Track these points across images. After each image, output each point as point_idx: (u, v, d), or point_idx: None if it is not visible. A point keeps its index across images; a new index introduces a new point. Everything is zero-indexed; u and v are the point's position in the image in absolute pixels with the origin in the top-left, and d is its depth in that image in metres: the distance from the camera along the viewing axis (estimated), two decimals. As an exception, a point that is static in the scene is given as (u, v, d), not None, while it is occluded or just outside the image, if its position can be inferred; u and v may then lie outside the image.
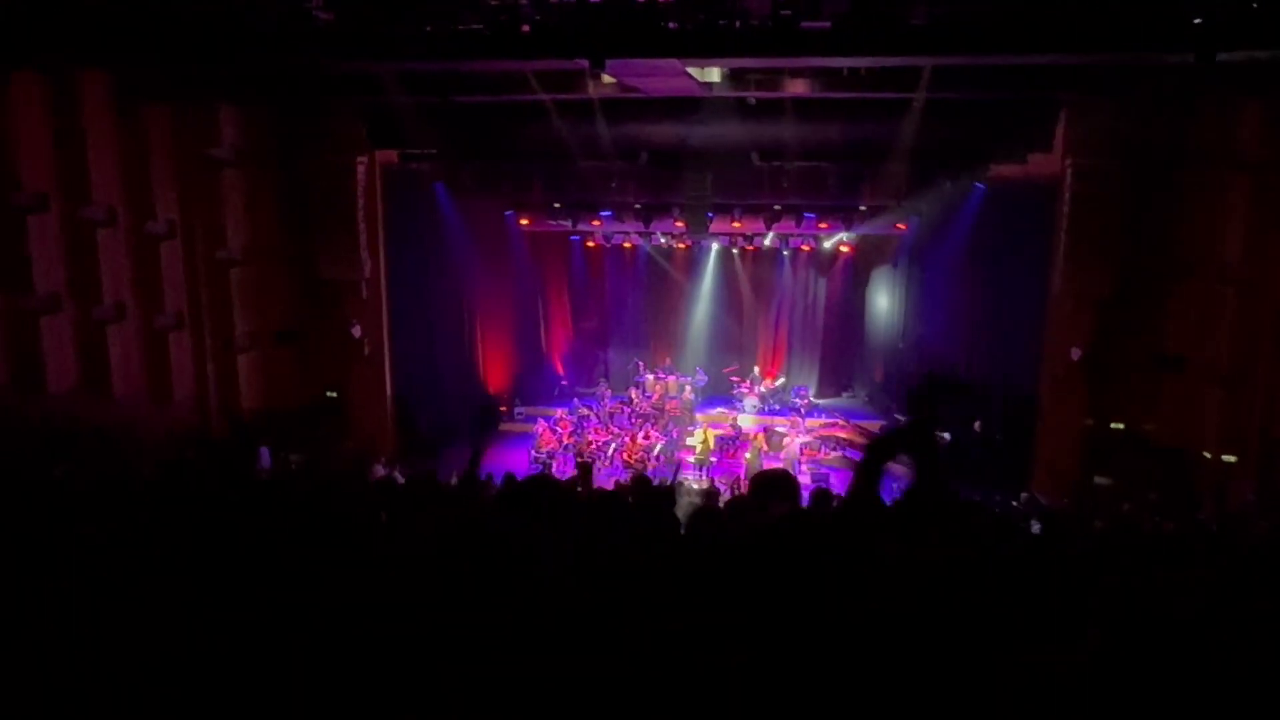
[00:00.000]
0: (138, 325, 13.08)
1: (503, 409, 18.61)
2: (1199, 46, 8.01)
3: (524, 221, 18.05)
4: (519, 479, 3.84)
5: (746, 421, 17.55)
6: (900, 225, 16.89)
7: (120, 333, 12.75)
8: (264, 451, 12.81)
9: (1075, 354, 13.44)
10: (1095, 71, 11.09)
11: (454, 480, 9.05)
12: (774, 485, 3.88)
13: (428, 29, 8.45)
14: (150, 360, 13.33)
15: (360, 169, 14.68)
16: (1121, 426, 13.52)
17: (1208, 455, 12.17)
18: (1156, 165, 12.52)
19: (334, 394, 15.67)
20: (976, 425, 15.46)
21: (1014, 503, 11.91)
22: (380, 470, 13.04)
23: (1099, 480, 12.96)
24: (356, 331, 15.30)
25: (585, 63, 8.50)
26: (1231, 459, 11.84)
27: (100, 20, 8.04)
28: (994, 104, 12.59)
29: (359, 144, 14.62)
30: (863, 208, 16.02)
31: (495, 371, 19.06)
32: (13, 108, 11.04)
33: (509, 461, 15.05)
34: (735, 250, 19.04)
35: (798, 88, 12.21)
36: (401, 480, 10.93)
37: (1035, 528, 8.00)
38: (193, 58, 9.11)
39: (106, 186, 12.36)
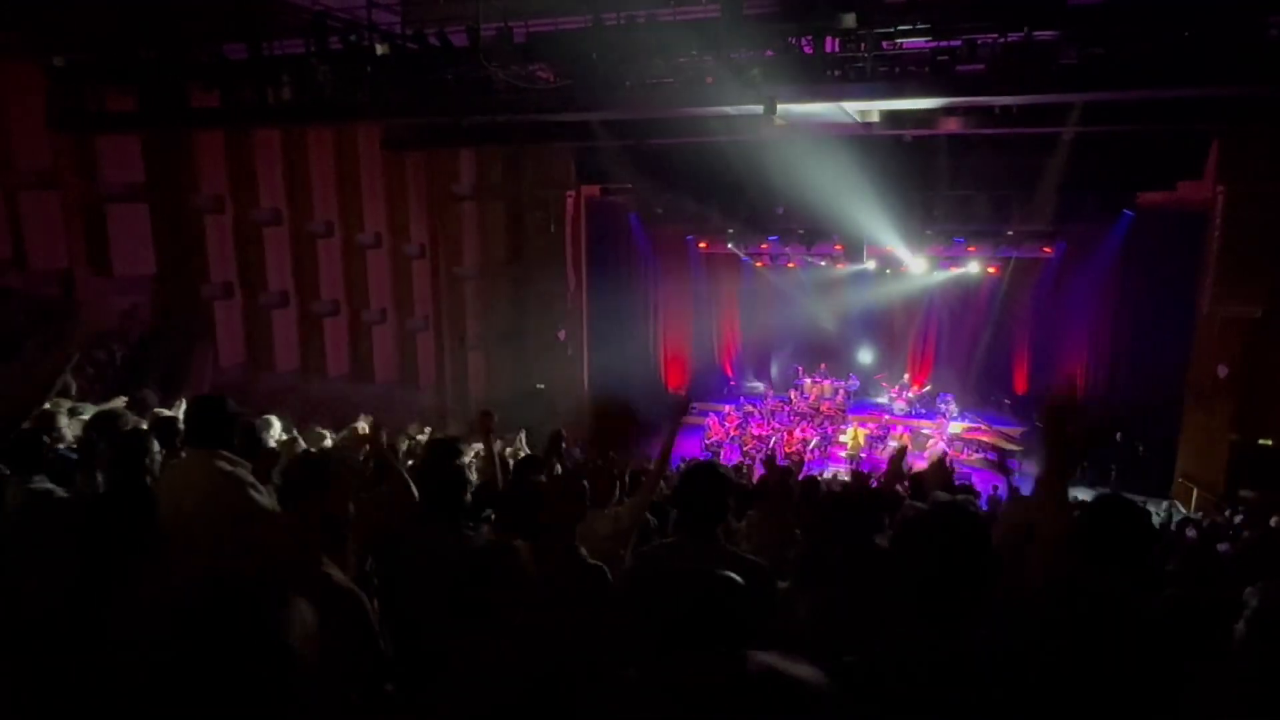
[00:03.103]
0: (394, 327, 14.12)
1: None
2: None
3: (702, 245, 18.14)
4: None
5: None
6: (1047, 249, 15.77)
7: (381, 333, 13.81)
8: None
9: (1222, 371, 12.10)
10: (1249, 102, 9.95)
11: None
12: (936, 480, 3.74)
13: (628, 84, 8.67)
14: (403, 355, 14.37)
15: (569, 201, 15.24)
16: (1270, 443, 12.05)
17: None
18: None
19: (542, 386, 16.33)
20: (1118, 435, 14.21)
21: (1156, 513, 10.87)
22: (576, 453, 13.45)
23: (1244, 494, 11.61)
24: (561, 335, 15.89)
25: (760, 108, 8.45)
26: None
27: (375, 87, 8.75)
28: (1144, 134, 11.54)
29: (568, 180, 15.18)
30: (1010, 233, 15.07)
31: (674, 371, 19.26)
32: (309, 156, 12.22)
33: (682, 448, 15.17)
34: (888, 270, 18.36)
35: (951, 125, 11.64)
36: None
37: (1191, 533, 7.26)
38: (444, 113, 9.75)
39: (375, 216, 13.44)
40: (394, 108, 9.39)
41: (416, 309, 14.45)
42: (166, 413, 4.42)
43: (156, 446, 3.38)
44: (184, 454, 3.19)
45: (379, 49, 8.43)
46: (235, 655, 1.26)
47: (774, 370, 20.10)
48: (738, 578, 1.97)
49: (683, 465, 9.25)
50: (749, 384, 19.37)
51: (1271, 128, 10.73)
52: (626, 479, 5.29)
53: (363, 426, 5.73)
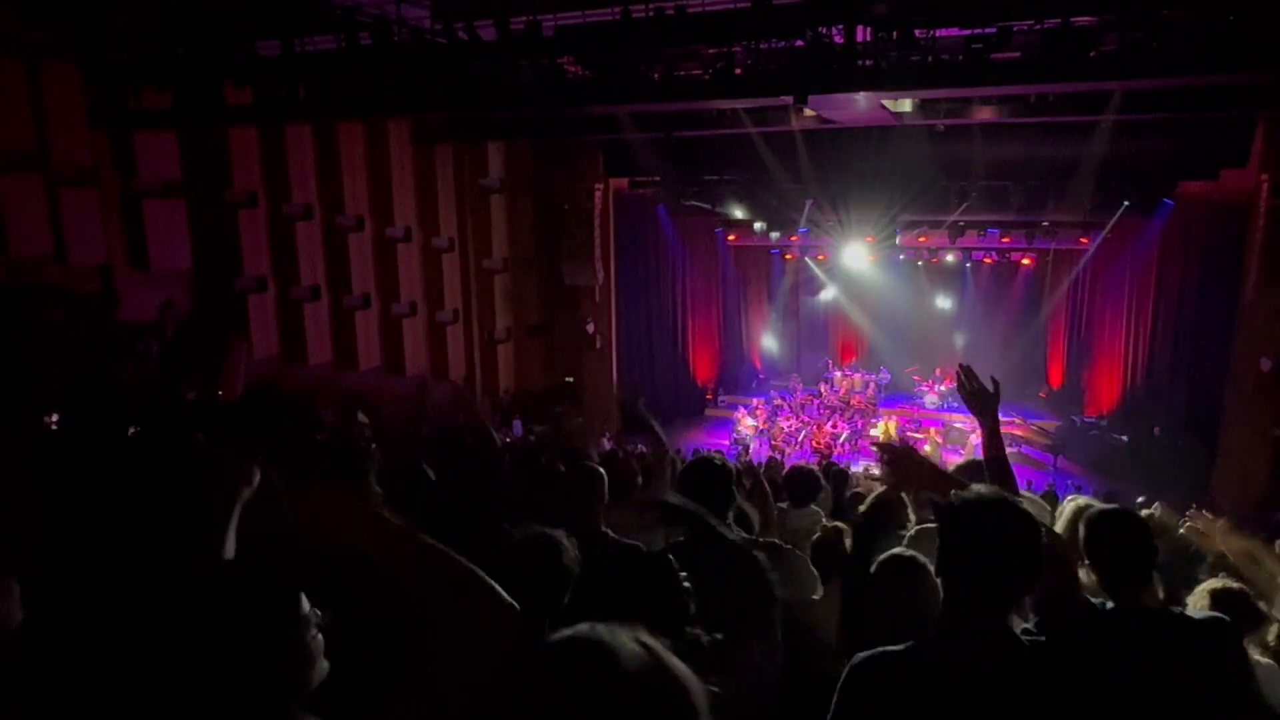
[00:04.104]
0: (424, 320, 14.24)
1: (708, 397, 18.75)
2: None
3: (731, 237, 18.07)
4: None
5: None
6: (1083, 239, 15.47)
7: (411, 326, 13.93)
8: (517, 423, 13.60)
9: (1265, 365, 11.80)
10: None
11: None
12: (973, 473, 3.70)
13: (656, 77, 8.65)
14: (433, 347, 14.49)
15: (597, 194, 15.24)
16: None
17: None
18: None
19: (571, 379, 16.40)
20: (1156, 430, 13.94)
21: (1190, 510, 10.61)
22: (606, 444, 13.49)
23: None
24: (590, 328, 15.93)
25: (790, 99, 8.38)
26: None
27: (405, 82, 8.82)
28: (1185, 122, 11.25)
29: (597, 173, 15.18)
30: (1045, 223, 14.81)
31: (703, 364, 19.23)
32: (340, 150, 12.35)
33: (713, 441, 15.17)
34: (920, 262, 18.16)
35: (985, 114, 11.45)
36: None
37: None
38: (473, 107, 9.81)
39: (405, 210, 13.55)
40: (423, 102, 9.47)
41: (446, 302, 14.55)
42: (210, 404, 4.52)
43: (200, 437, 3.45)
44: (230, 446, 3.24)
45: (408, 44, 8.50)
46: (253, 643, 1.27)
47: (803, 363, 20.00)
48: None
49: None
50: (775, 381, 19.29)
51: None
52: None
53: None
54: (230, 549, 1.79)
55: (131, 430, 4.32)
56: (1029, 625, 1.87)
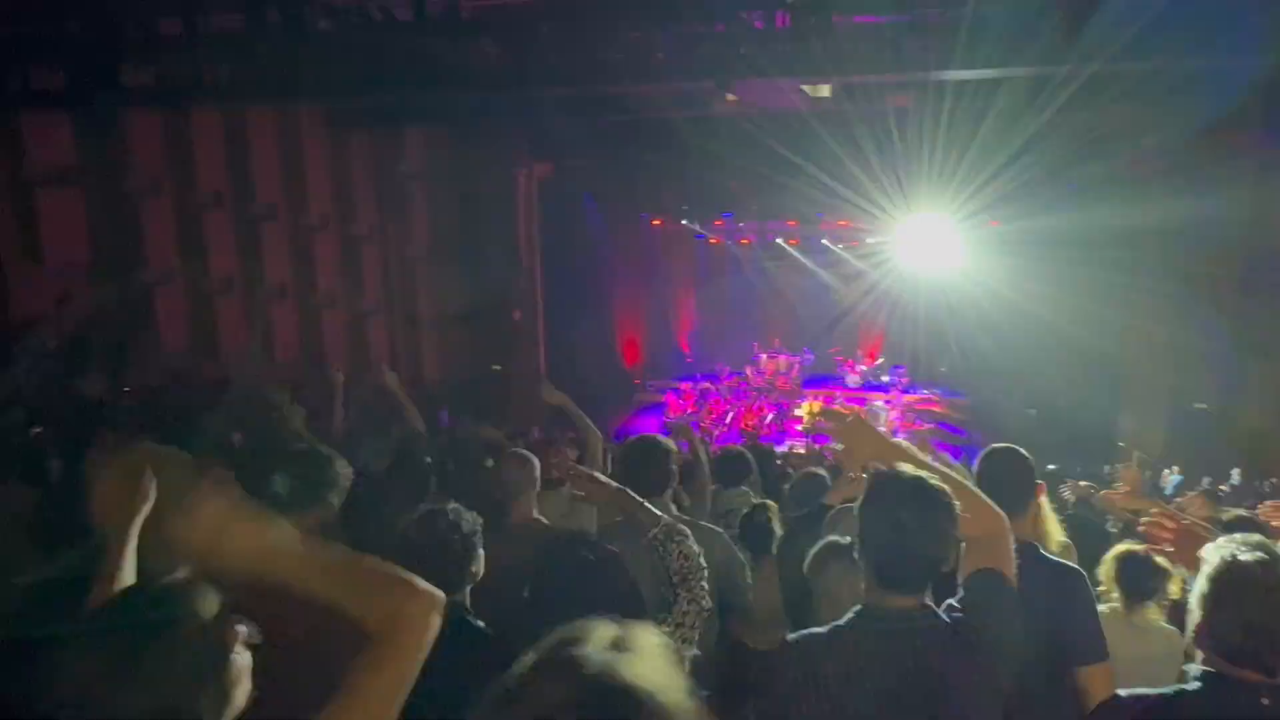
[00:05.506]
0: (345, 311, 13.83)
1: (636, 381, 18.81)
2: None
3: (656, 222, 18.14)
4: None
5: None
6: (994, 222, 16.04)
7: (331, 317, 13.52)
8: (443, 413, 13.35)
9: (1155, 336, 12.56)
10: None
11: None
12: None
13: (576, 60, 8.57)
14: (353, 339, 14.09)
15: (521, 179, 15.05)
16: (1204, 407, 12.52)
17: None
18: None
19: (498, 368, 16.20)
20: (1033, 411, 14.64)
21: (1108, 469, 11.18)
22: (536, 433, 13.38)
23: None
24: (517, 316, 15.76)
25: (711, 84, 8.43)
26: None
27: (316, 64, 8.51)
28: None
29: (520, 159, 14.99)
30: (958, 207, 15.29)
31: (630, 350, 19.27)
32: (249, 137, 11.85)
33: (642, 426, 15.22)
34: (840, 245, 18.56)
35: (901, 101, 11.73)
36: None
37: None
38: (388, 91, 9.54)
39: (320, 199, 13.10)
40: (336, 86, 9.16)
41: (367, 292, 14.17)
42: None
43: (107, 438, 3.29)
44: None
45: (320, 24, 8.20)
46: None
47: (729, 347, 20.23)
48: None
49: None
50: (702, 364, 19.48)
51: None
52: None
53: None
54: (130, 573, 1.68)
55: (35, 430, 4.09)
56: (954, 601, 1.90)
